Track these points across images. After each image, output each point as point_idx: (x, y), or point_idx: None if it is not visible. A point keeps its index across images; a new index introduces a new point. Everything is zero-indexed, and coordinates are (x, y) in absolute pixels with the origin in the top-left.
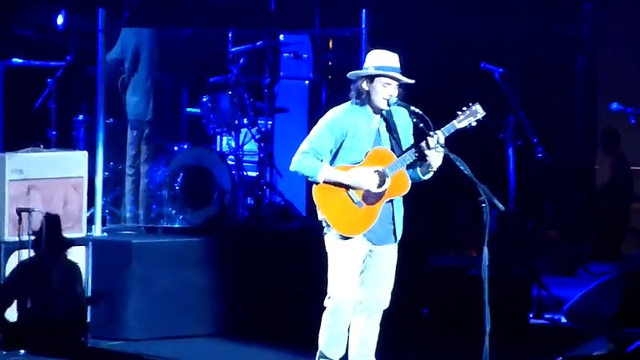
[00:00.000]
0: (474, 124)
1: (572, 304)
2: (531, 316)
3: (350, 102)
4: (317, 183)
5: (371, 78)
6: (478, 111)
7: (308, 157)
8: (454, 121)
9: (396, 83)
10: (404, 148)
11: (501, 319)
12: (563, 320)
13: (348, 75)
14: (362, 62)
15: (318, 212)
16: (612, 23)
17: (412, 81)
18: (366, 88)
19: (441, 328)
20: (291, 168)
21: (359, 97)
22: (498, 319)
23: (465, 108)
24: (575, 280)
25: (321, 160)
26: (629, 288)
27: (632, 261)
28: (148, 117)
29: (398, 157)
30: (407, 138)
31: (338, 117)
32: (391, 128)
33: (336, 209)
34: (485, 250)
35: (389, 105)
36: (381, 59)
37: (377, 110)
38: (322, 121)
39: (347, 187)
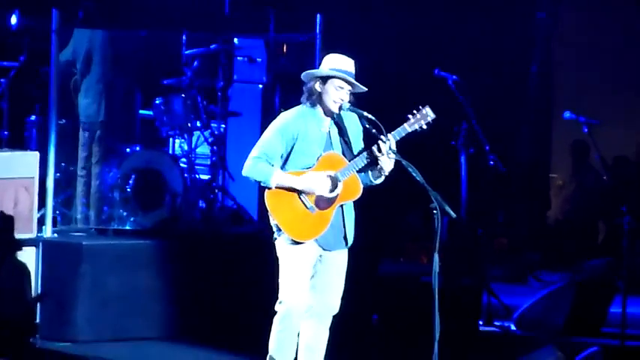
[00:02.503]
0: (424, 127)
1: (521, 312)
2: (481, 323)
3: (301, 105)
4: (269, 188)
5: (324, 79)
6: (428, 114)
7: (260, 162)
8: (405, 125)
9: (349, 88)
10: (355, 153)
11: (451, 326)
12: (513, 328)
13: (302, 75)
14: (316, 67)
15: (270, 217)
16: (566, 31)
17: (365, 89)
18: (318, 90)
19: (391, 334)
20: (243, 173)
21: (310, 98)
22: (448, 326)
23: (415, 111)
24: (526, 288)
25: (273, 165)
26: (579, 297)
27: (581, 271)
28: (99, 118)
29: (349, 161)
30: (357, 142)
31: (289, 121)
32: (342, 132)
33: (289, 214)
34: (436, 257)
35: (341, 109)
36: (337, 62)
37: (328, 113)
38: (273, 125)
39: (299, 192)
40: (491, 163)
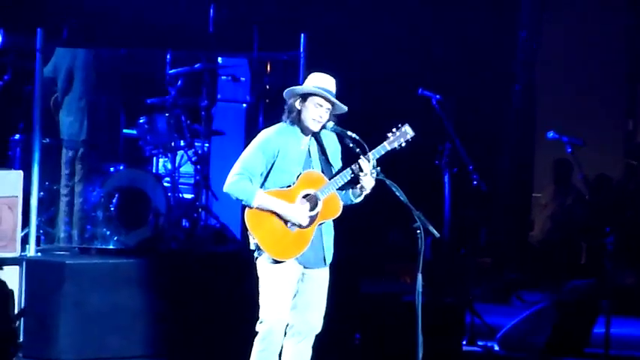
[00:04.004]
0: (404, 144)
1: (504, 332)
2: (464, 343)
3: (281, 122)
4: (250, 207)
5: (304, 97)
6: (407, 132)
7: (242, 180)
8: (384, 143)
9: (328, 106)
10: (334, 171)
11: (434, 345)
12: (496, 348)
13: (284, 92)
14: (300, 85)
15: (250, 236)
16: (549, 51)
17: (345, 108)
18: (298, 107)
19: (374, 353)
20: (225, 189)
21: (290, 116)
22: (431, 345)
23: (394, 129)
24: (509, 308)
25: (254, 182)
26: (562, 317)
27: (564, 291)
28: (82, 137)
29: (329, 179)
30: (336, 161)
31: (269, 138)
32: (321, 150)
33: (269, 233)
34: (419, 276)
35: (324, 128)
36: (318, 80)
37: (307, 131)
38: (254, 143)
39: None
40: (475, 182)
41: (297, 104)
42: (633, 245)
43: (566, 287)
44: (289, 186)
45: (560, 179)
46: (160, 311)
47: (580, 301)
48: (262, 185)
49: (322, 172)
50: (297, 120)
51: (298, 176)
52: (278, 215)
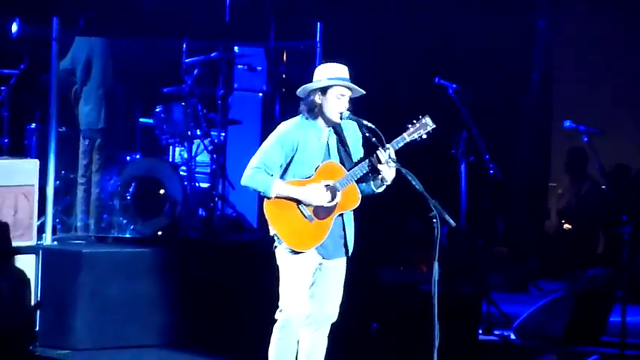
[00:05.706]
0: (424, 136)
1: (521, 321)
2: (481, 332)
3: (300, 115)
4: (268, 198)
5: (324, 90)
6: (428, 123)
7: (259, 173)
8: (404, 134)
9: (349, 95)
10: (354, 161)
11: (451, 334)
12: (513, 337)
13: (297, 92)
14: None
15: (270, 227)
16: (566, 40)
17: (363, 91)
18: (319, 102)
19: (390, 342)
20: (242, 183)
21: (311, 112)
22: (447, 334)
23: (415, 121)
24: (526, 297)
25: (272, 175)
26: (578, 306)
27: (581, 280)
28: (99, 126)
29: (348, 170)
30: (357, 151)
31: (288, 131)
32: (341, 141)
33: (287, 224)
34: (436, 265)
35: (341, 118)
36: (332, 71)
37: (328, 123)
38: (272, 136)
39: (298, 201)
40: (491, 172)
41: (318, 99)
42: None
43: (582, 276)
44: (308, 178)
45: (574, 168)
46: (176, 300)
47: (596, 289)
48: (281, 178)
49: (342, 163)
50: (318, 114)
51: (317, 168)
52: (297, 204)
